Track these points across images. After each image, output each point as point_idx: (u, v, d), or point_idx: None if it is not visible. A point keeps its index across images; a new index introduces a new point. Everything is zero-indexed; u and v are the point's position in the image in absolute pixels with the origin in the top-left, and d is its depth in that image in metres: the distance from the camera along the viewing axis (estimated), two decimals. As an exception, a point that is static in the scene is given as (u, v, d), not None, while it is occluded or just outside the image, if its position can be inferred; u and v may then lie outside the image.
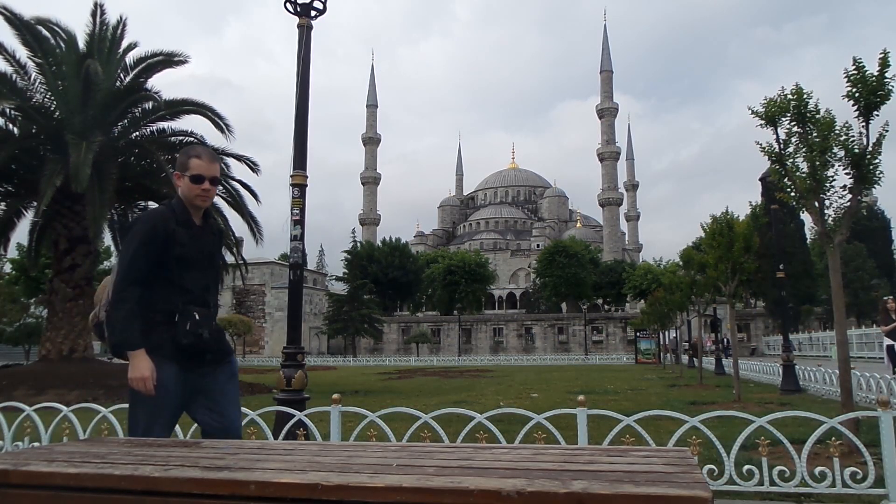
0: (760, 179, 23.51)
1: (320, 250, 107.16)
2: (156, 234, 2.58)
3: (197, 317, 2.63)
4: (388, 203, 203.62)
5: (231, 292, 63.76)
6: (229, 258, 17.57)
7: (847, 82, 5.34)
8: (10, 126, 15.53)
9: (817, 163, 5.53)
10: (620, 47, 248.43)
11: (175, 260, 2.62)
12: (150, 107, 16.29)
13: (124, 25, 16.68)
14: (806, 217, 6.72)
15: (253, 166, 16.75)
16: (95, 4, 16.08)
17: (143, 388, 2.49)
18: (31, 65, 15.45)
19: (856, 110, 5.36)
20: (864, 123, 5.38)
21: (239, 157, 16.77)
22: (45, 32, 15.45)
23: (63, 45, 15.80)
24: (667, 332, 34.41)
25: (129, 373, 2.50)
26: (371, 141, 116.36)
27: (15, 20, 14.75)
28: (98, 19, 16.22)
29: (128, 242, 2.64)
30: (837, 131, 5.47)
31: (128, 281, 2.53)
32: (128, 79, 16.45)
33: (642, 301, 53.46)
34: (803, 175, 5.69)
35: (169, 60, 16.37)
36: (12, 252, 33.39)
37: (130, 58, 16.46)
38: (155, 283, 2.59)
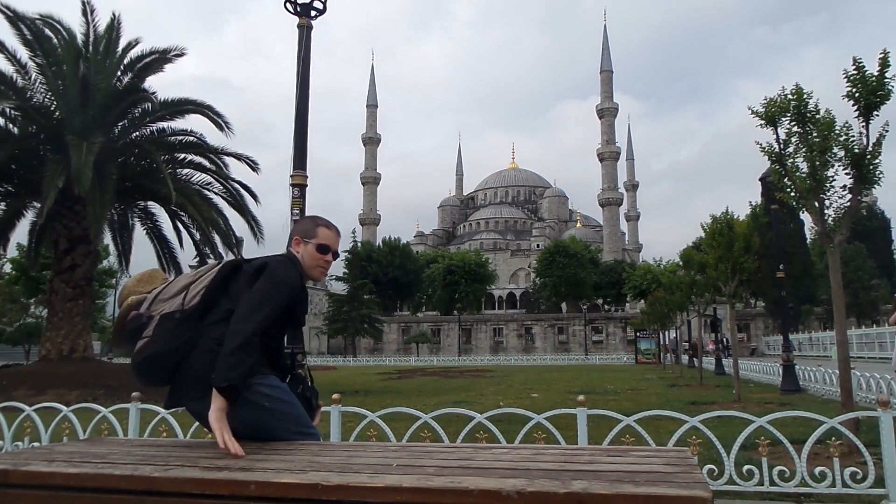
0: (760, 179, 23.52)
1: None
2: (294, 293, 2.30)
3: (310, 383, 2.46)
4: (387, 203, 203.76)
5: (231, 292, 63.61)
6: (229, 259, 17.54)
7: (847, 82, 5.34)
8: (10, 126, 15.52)
9: (817, 163, 5.53)
10: (620, 47, 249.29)
11: (295, 321, 2.37)
12: (150, 107, 16.27)
13: (119, 24, 16.63)
14: (806, 217, 6.72)
15: (253, 166, 16.75)
16: (83, 3, 16.02)
17: (228, 448, 1.98)
18: (31, 65, 15.44)
19: (856, 110, 5.36)
20: (864, 123, 5.38)
21: (239, 157, 16.77)
22: (46, 32, 15.44)
23: (62, 44, 15.78)
24: (667, 332, 34.41)
25: (217, 419, 2.04)
26: (371, 141, 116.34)
27: (16, 19, 14.74)
28: (90, 18, 16.17)
29: (272, 289, 2.22)
30: (837, 131, 5.47)
31: (260, 330, 2.14)
32: (126, 78, 16.43)
33: (642, 301, 53.44)
34: (803, 175, 5.69)
35: (165, 57, 16.35)
36: (12, 252, 33.40)
37: (129, 57, 16.44)
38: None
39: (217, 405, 2.03)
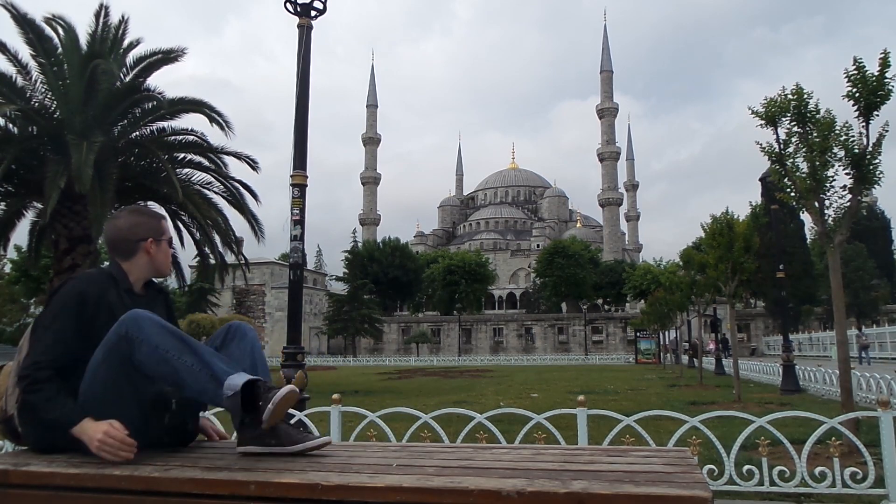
0: (760, 179, 23.54)
1: (318, 250, 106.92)
2: (85, 305, 1.92)
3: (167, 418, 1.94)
4: (387, 203, 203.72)
5: (231, 292, 63.81)
6: (230, 258, 17.57)
7: (847, 82, 5.34)
8: (10, 126, 15.52)
9: (817, 163, 5.54)
10: (620, 47, 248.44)
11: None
12: (150, 106, 16.27)
13: (126, 24, 16.66)
14: (806, 217, 6.73)
15: (253, 165, 16.75)
16: (101, 6, 16.07)
17: (121, 450, 1.71)
18: (32, 64, 15.43)
19: (856, 110, 5.36)
20: (864, 123, 5.39)
21: (239, 156, 16.76)
22: (48, 32, 15.43)
23: (65, 44, 15.79)
24: (667, 333, 34.43)
25: (92, 446, 1.72)
26: (371, 141, 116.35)
27: (21, 19, 14.75)
28: (101, 20, 16.19)
29: (48, 314, 1.93)
30: (837, 131, 5.47)
31: (41, 365, 1.83)
32: (128, 78, 16.43)
33: (642, 301, 53.45)
34: (803, 175, 5.69)
35: (166, 57, 16.35)
36: (11, 252, 33.42)
37: (131, 57, 16.46)
38: (75, 374, 1.86)
39: (85, 436, 1.75)
